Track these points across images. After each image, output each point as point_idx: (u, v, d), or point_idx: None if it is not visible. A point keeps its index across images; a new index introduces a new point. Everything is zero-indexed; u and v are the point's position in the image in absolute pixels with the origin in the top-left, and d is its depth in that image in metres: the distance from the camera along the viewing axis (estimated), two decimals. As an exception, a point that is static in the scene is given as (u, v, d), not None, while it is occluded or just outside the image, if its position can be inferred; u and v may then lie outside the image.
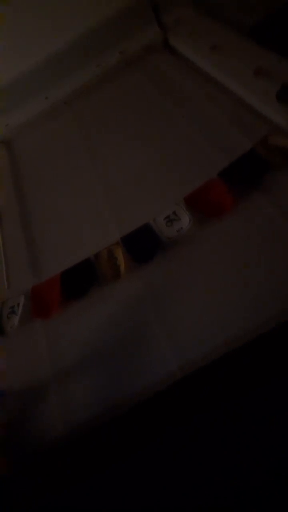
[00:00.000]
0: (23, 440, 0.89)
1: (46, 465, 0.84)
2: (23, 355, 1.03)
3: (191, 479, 0.71)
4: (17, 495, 0.82)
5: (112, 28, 1.57)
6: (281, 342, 0.76)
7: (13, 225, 1.34)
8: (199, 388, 0.79)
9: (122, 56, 1.61)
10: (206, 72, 1.35)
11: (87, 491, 0.77)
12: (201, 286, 0.92)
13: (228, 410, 0.74)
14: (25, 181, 1.47)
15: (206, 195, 1.03)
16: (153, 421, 0.80)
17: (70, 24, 1.54)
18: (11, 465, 0.86)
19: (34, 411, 0.92)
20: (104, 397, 0.87)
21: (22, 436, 0.90)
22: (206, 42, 1.39)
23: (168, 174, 1.17)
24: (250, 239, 0.94)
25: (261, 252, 0.90)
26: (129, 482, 0.76)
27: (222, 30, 1.43)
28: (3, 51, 1.54)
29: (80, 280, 1.06)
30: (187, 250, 0.99)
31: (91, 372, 0.92)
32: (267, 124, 1.09)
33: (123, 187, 1.22)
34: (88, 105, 1.57)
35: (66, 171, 1.39)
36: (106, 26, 1.56)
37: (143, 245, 1.03)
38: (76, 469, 0.81)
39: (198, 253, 0.98)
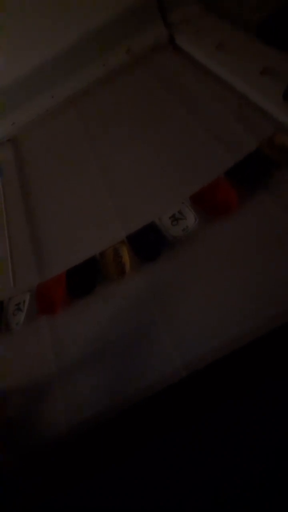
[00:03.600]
0: (26, 437, 0.89)
1: (48, 463, 0.84)
2: (28, 352, 1.03)
3: (193, 479, 0.71)
4: (19, 494, 0.82)
5: (118, 27, 1.57)
6: (284, 341, 0.76)
7: (19, 223, 1.34)
8: (204, 387, 0.79)
9: (128, 55, 1.61)
10: (212, 71, 1.35)
11: (90, 490, 0.77)
12: (206, 285, 0.92)
13: (232, 410, 0.74)
14: (31, 179, 1.48)
15: (212, 194, 1.03)
16: (156, 420, 0.80)
17: (75, 23, 1.54)
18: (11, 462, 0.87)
19: (38, 408, 0.92)
20: (108, 395, 0.87)
21: (25, 434, 0.90)
22: (212, 41, 1.38)
23: (173, 172, 1.16)
24: (256, 239, 0.93)
25: (266, 251, 0.90)
26: (131, 481, 0.76)
27: (228, 28, 1.42)
28: (8, 49, 1.54)
29: (86, 278, 1.07)
30: (193, 249, 0.99)
31: (95, 369, 0.92)
32: (274, 123, 1.08)
33: (129, 185, 1.22)
34: (93, 104, 1.58)
35: (72, 169, 1.40)
36: (112, 25, 1.56)
37: (149, 243, 1.03)
38: (79, 467, 0.81)
39: (204, 252, 0.97)
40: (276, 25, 1.25)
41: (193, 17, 1.56)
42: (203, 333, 0.86)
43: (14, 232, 1.34)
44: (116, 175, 1.28)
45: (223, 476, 0.68)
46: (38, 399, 0.93)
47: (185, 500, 0.70)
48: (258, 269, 0.88)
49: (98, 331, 0.98)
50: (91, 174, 1.33)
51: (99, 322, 0.99)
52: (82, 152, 1.43)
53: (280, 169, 0.99)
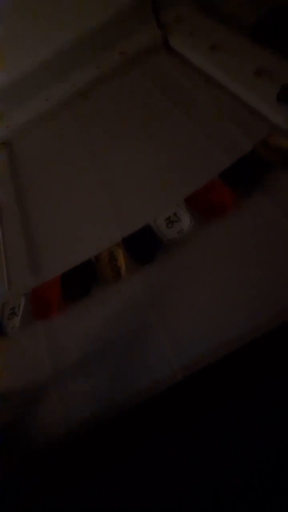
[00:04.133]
0: (25, 439, 0.89)
1: (47, 465, 0.85)
2: (24, 356, 1.03)
3: (193, 479, 0.72)
4: (19, 494, 0.83)
5: (112, 28, 1.57)
6: (282, 342, 0.76)
7: (14, 226, 1.34)
8: (201, 389, 0.79)
9: (122, 56, 1.60)
10: (206, 72, 1.35)
11: (90, 490, 0.77)
12: (202, 287, 0.93)
13: (230, 411, 0.74)
14: (25, 182, 1.47)
15: (207, 196, 1.03)
16: (154, 421, 0.80)
17: (70, 25, 1.54)
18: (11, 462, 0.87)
19: (35, 411, 0.92)
20: (105, 397, 0.88)
21: (23, 436, 0.90)
22: (206, 42, 1.38)
23: (168, 175, 1.17)
24: (251, 240, 0.94)
25: (262, 253, 0.91)
26: (131, 481, 0.76)
27: (222, 29, 1.42)
28: (3, 52, 1.53)
29: (81, 281, 1.06)
30: (188, 251, 0.99)
31: (92, 372, 0.92)
32: (268, 125, 1.09)
33: (124, 188, 1.22)
34: (88, 106, 1.57)
35: (67, 172, 1.39)
36: (106, 26, 1.56)
37: (144, 246, 1.04)
38: (79, 467, 0.81)
39: (199, 254, 0.98)
40: (271, 26, 1.26)
41: (188, 18, 1.56)
42: (200, 334, 0.86)
43: (9, 235, 1.34)
44: (111, 178, 1.27)
45: (223, 476, 0.69)
46: (36, 401, 0.93)
47: (185, 500, 0.70)
48: (254, 269, 0.89)
49: (95, 334, 0.98)
50: (86, 177, 1.33)
51: (95, 325, 0.99)
52: (77, 154, 1.42)
53: (275, 170, 1.00)
